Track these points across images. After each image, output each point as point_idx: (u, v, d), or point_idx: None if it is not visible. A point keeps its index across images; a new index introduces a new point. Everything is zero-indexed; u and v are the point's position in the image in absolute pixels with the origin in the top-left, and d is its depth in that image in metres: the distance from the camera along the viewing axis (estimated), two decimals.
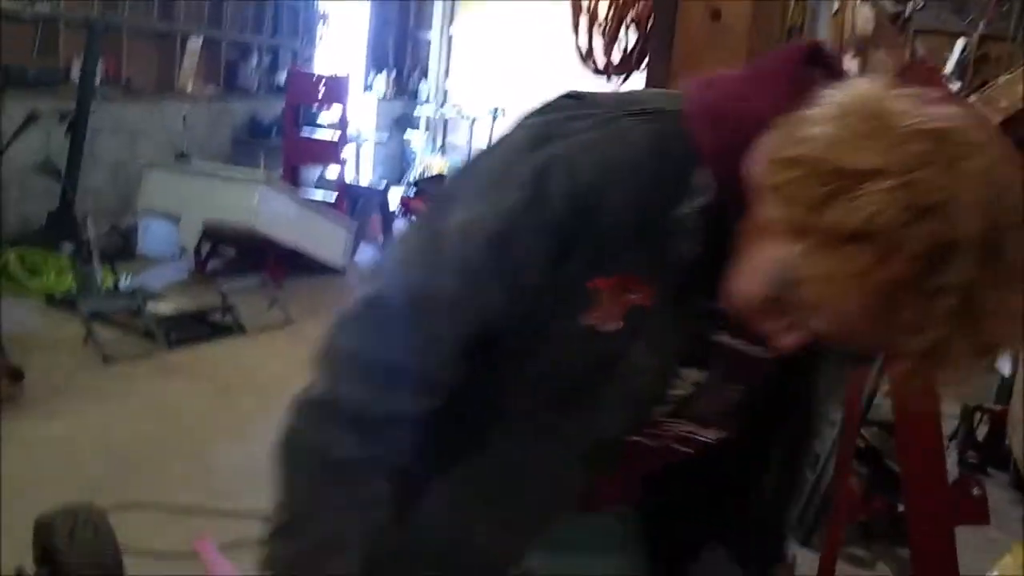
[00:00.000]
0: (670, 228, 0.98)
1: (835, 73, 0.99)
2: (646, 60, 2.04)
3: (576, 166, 0.98)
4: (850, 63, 5.29)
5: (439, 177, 8.88)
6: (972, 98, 4.11)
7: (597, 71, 2.07)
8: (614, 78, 2.05)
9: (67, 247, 5.63)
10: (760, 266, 0.91)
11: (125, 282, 5.57)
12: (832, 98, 0.88)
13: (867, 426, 3.41)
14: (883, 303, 0.84)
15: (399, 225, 7.90)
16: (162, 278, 6.03)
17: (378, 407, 1.06)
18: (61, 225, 5.81)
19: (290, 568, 1.09)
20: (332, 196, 7.38)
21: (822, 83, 0.93)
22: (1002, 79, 3.99)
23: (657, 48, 1.89)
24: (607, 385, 1.06)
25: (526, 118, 1.07)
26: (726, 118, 0.98)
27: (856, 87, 0.89)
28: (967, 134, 0.85)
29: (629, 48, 2.04)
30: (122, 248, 6.26)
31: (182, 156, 6.88)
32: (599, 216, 0.98)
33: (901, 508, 3.06)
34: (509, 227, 1.00)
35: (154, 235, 6.47)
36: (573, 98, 1.06)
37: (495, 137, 1.11)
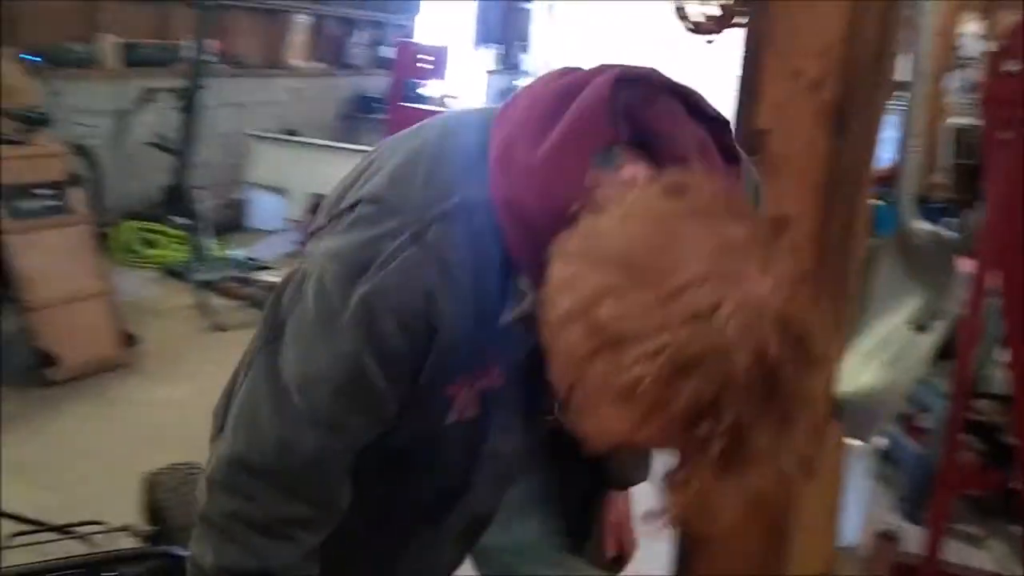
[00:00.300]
0: (503, 330, 0.99)
1: (653, 89, 0.99)
2: (742, 17, 1.97)
3: (398, 297, 0.98)
4: (975, 26, 5.06)
5: None
6: None
7: (692, 29, 2.02)
8: (710, 35, 1.99)
9: (180, 219, 5.81)
10: (551, 372, 0.90)
11: (235, 253, 5.72)
12: (610, 225, 0.86)
13: (983, 398, 3.27)
14: (652, 445, 0.88)
15: None
16: (271, 249, 6.16)
17: (273, 557, 1.09)
18: (175, 198, 6.00)
19: None
20: None
21: (635, 113, 0.95)
22: None
23: (753, 3, 1.82)
24: (477, 468, 1.12)
25: (328, 231, 1.06)
26: (528, 218, 0.96)
27: (640, 203, 0.86)
28: (735, 272, 0.81)
29: (725, 5, 1.98)
30: (233, 220, 6.44)
31: (291, 131, 7.02)
32: (434, 336, 0.99)
33: (1017, 484, 2.94)
34: (351, 374, 1.01)
35: (263, 208, 6.63)
36: (371, 202, 1.03)
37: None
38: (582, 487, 1.41)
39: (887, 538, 2.83)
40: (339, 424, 1.06)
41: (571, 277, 0.85)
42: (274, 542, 1.09)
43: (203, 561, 1.10)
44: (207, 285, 5.03)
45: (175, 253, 5.64)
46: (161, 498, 2.35)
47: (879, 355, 1.84)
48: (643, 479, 1.44)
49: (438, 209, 0.99)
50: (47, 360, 3.90)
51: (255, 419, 1.08)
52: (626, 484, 1.47)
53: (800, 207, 1.64)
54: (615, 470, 1.41)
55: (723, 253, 0.82)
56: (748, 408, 0.80)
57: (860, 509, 2.95)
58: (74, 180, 4.28)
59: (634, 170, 0.94)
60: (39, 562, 1.83)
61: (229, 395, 1.16)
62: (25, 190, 4.00)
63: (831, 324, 1.57)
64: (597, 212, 0.87)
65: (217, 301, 4.95)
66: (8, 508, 2.32)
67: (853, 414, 1.76)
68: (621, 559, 1.53)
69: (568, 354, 0.85)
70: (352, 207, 1.04)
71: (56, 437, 3.50)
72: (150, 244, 5.72)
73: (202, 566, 1.11)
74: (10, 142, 4.03)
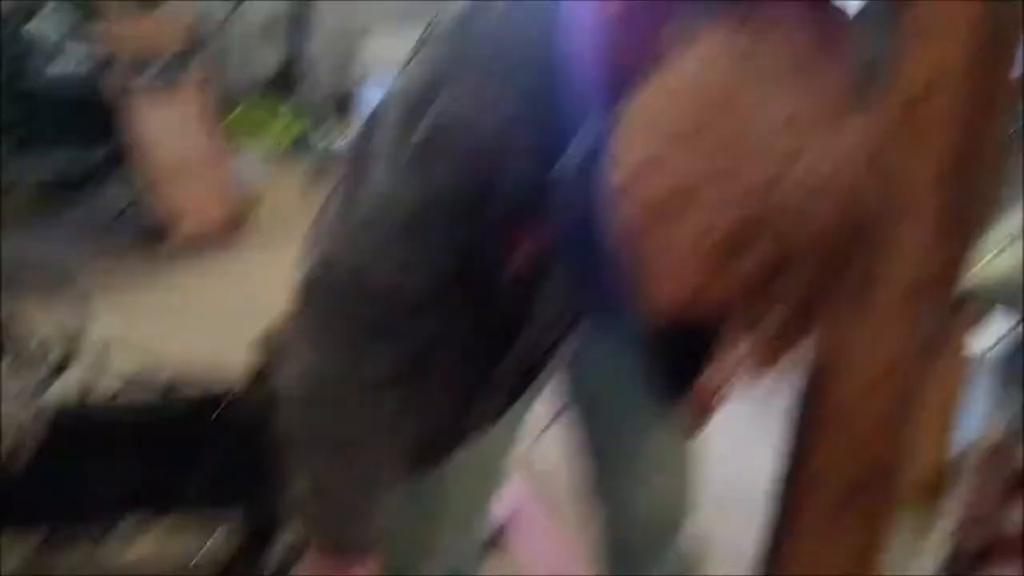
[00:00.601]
0: (568, 181, 0.96)
1: None
2: None
3: (465, 133, 0.97)
4: None
5: None
6: None
7: None
8: None
9: (291, 104, 5.86)
10: (611, 238, 0.87)
11: (344, 139, 5.75)
12: (677, 84, 0.82)
13: None
14: (711, 315, 0.84)
15: None
16: None
17: (363, 368, 1.11)
18: (286, 82, 6.05)
19: (320, 531, 1.20)
20: None
21: None
22: None
23: None
24: (530, 322, 1.12)
25: (411, 58, 1.07)
26: (601, 68, 0.93)
27: (704, 69, 0.81)
28: (801, 142, 0.76)
29: None
30: (343, 107, 6.46)
31: (404, 19, 6.97)
32: (499, 177, 0.98)
33: None
34: (417, 209, 1.02)
35: (375, 94, 6.62)
36: (446, 34, 1.01)
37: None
38: (674, 343, 1.38)
39: (1002, 449, 2.73)
40: (407, 259, 1.06)
41: (632, 143, 0.83)
42: (361, 355, 1.10)
43: (291, 373, 1.13)
44: (315, 168, 5.08)
45: (285, 136, 5.70)
46: (265, 360, 2.38)
47: (1015, 241, 1.74)
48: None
49: (514, 43, 0.98)
50: (161, 228, 4.01)
51: (335, 245, 1.10)
52: (716, 345, 1.44)
53: (943, 74, 1.53)
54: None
55: (790, 122, 0.78)
56: (808, 285, 0.78)
57: (976, 418, 2.86)
58: (192, 54, 4.33)
59: (719, 26, 0.88)
60: (153, 397, 1.88)
61: (320, 219, 1.19)
62: (145, 60, 4.08)
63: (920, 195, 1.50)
64: (668, 71, 0.84)
65: (324, 184, 4.99)
66: (118, 372, 2.40)
67: (984, 301, 1.68)
68: (701, 420, 1.51)
69: (626, 223, 0.83)
70: (429, 40, 1.05)
71: (167, 304, 3.62)
72: (263, 125, 5.79)
73: (291, 378, 1.13)
74: (132, 14, 4.10)
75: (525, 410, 1.43)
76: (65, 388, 1.86)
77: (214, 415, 1.82)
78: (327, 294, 1.10)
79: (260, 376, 1.87)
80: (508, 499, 2.35)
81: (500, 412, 1.29)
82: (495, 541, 2.17)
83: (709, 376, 1.48)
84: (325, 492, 1.17)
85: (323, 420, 1.14)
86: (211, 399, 1.84)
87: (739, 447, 2.48)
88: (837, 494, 1.88)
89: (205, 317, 3.47)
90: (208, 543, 1.98)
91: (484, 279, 1.09)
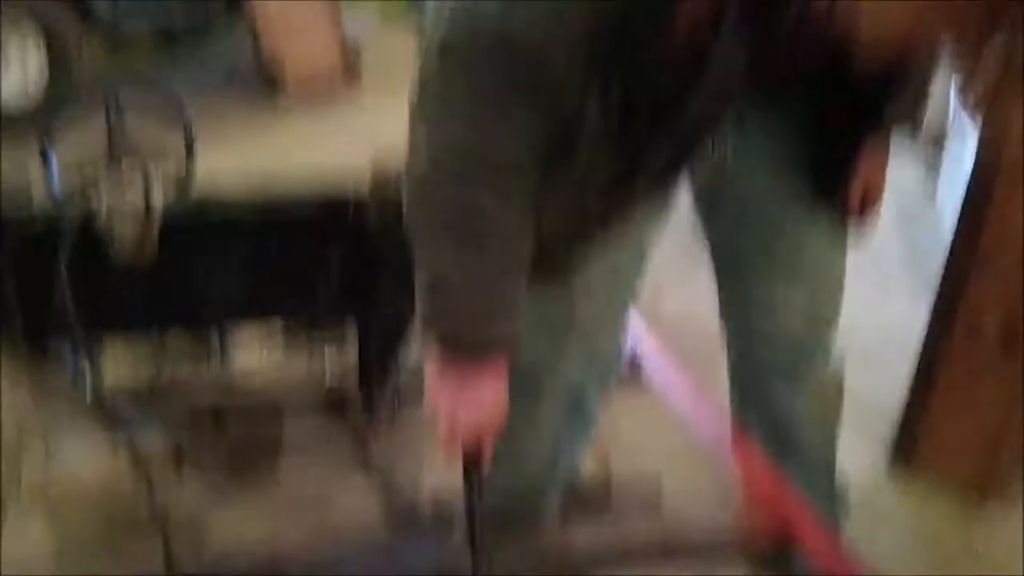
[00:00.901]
0: None
1: None
2: None
3: None
4: None
5: None
6: None
7: None
8: None
9: None
10: None
11: None
12: None
13: None
14: (939, 36, 0.75)
15: None
16: None
17: (501, 139, 1.00)
18: None
19: (445, 327, 1.09)
20: None
21: None
22: None
23: None
24: (694, 100, 1.00)
25: None
26: None
27: None
28: None
29: None
30: None
31: None
32: None
33: None
34: None
35: None
36: None
37: None
38: (838, 130, 1.24)
39: None
40: (558, 12, 0.94)
41: None
42: (499, 126, 0.99)
43: (420, 149, 1.03)
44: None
45: None
46: (381, 182, 2.33)
47: None
48: (910, 119, 1.28)
49: None
50: (273, 79, 4.03)
51: (475, 4, 0.97)
52: (889, 123, 1.27)
53: None
54: (880, 104, 1.22)
55: None
56: None
57: None
58: None
59: None
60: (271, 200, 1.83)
61: None
62: None
63: None
64: None
65: None
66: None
67: None
68: (864, 215, 1.37)
69: None
70: None
71: (278, 152, 3.62)
72: None
73: (419, 154, 1.03)
74: None
75: (661, 219, 1.31)
76: (182, 196, 1.82)
77: (332, 219, 1.76)
78: (466, 55, 0.97)
79: (378, 189, 1.79)
80: (637, 340, 2.27)
81: (642, 206, 1.18)
82: (624, 374, 2.10)
83: (871, 169, 1.33)
84: (450, 283, 1.06)
85: (452, 200, 1.02)
86: (329, 204, 1.77)
87: (878, 295, 2.34)
88: (994, 338, 1.73)
89: (314, 167, 3.45)
90: (326, 355, 1.95)
91: (643, 42, 0.95)
